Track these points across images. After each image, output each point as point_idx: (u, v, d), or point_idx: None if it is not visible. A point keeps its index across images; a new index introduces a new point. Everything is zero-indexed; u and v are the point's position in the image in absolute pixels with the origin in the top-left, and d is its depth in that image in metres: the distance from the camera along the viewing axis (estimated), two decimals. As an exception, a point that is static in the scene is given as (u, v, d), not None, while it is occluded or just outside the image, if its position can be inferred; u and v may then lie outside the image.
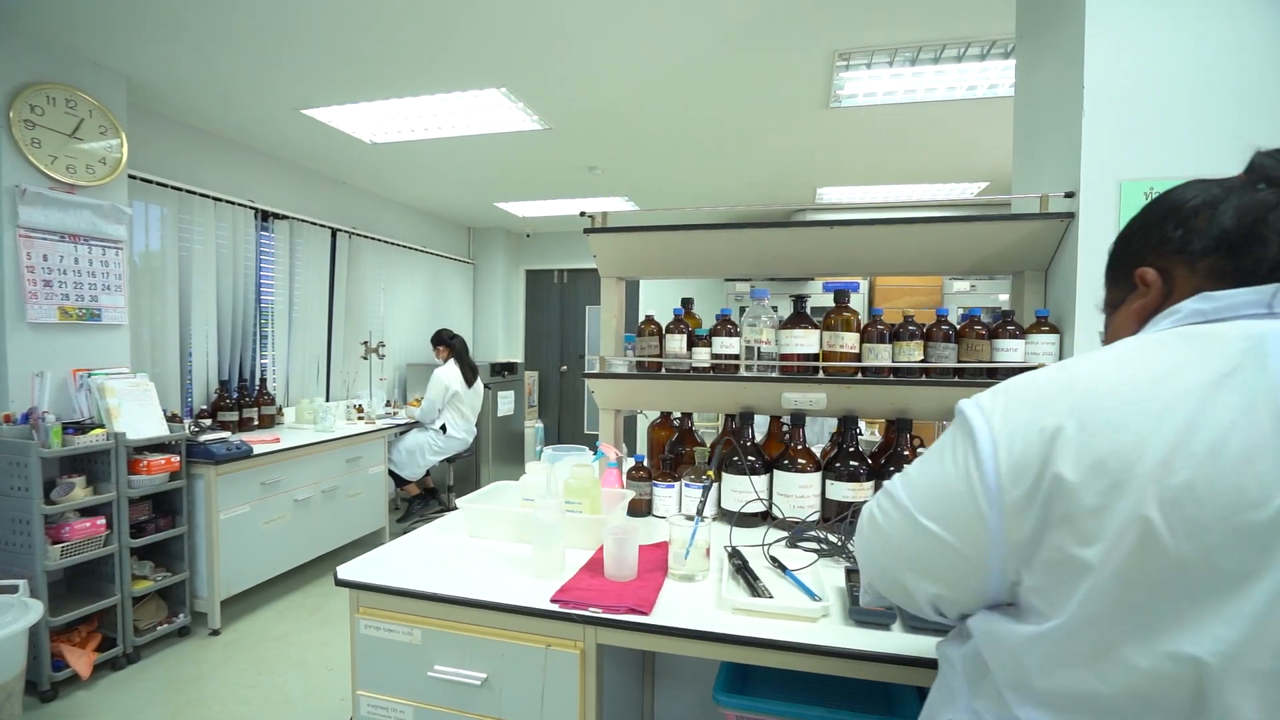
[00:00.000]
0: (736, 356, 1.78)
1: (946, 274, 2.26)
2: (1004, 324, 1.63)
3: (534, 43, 2.56)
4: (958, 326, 1.67)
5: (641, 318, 1.89)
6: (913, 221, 1.71)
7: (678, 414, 1.99)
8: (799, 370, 1.73)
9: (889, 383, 1.66)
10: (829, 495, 1.68)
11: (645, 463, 1.87)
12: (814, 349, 1.74)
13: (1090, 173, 1.53)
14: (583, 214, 1.92)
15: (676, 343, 1.82)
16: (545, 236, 6.56)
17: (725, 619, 1.14)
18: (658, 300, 6.23)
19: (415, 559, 1.47)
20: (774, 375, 1.75)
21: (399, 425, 4.02)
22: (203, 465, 2.78)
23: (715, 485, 1.79)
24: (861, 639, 1.06)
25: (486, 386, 4.77)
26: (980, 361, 1.62)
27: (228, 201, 3.57)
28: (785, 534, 1.55)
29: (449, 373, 4.08)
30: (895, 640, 1.05)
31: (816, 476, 1.69)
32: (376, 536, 4.00)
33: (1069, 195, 1.57)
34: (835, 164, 4.14)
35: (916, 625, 1.08)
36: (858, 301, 5.32)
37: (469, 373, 4.18)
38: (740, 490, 1.71)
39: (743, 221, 1.85)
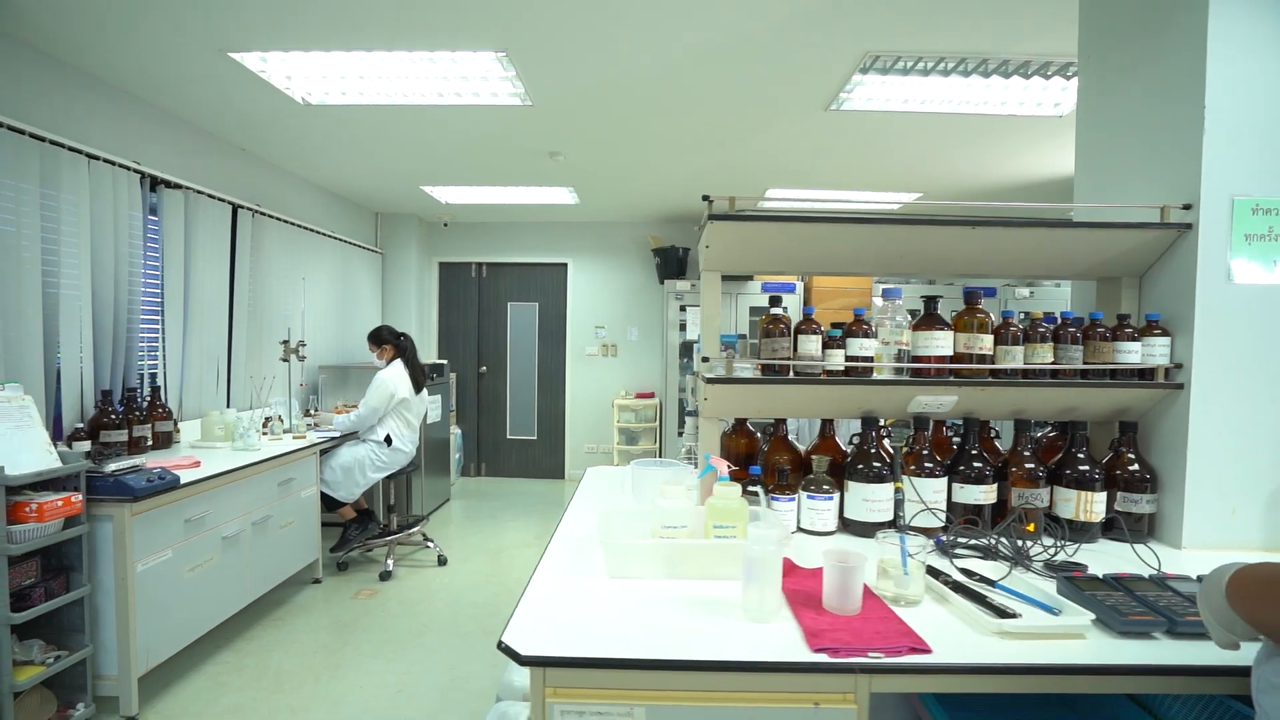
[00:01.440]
0: (871, 359, 1.66)
1: (1039, 277, 2.30)
2: (1121, 327, 1.66)
3: (557, 3, 2.25)
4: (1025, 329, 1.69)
5: (744, 317, 1.70)
6: (1055, 225, 1.71)
7: (756, 420, 1.84)
8: (935, 373, 1.65)
9: (1021, 384, 1.63)
10: (956, 499, 1.63)
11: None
12: (949, 350, 1.67)
13: (1208, 187, 1.61)
14: (706, 198, 1.68)
15: (811, 344, 1.66)
16: (464, 226, 6.03)
17: (990, 646, 1.03)
18: (590, 302, 5.98)
19: (577, 615, 1.18)
20: (906, 378, 1.66)
21: (330, 439, 3.42)
22: (112, 504, 2.13)
23: (839, 495, 1.67)
24: (1136, 651, 1.02)
25: (417, 391, 4.26)
26: (1104, 363, 1.64)
27: (107, 161, 2.80)
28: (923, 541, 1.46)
29: (395, 376, 3.54)
30: (1170, 650, 1.03)
31: (944, 481, 1.63)
32: (309, 571, 3.38)
33: (1186, 207, 1.63)
34: (800, 165, 4.17)
35: (1181, 631, 1.06)
36: (792, 301, 5.46)
37: (418, 376, 3.67)
38: (872, 499, 1.61)
39: (903, 217, 1.74)
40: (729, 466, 1.74)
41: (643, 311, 6.06)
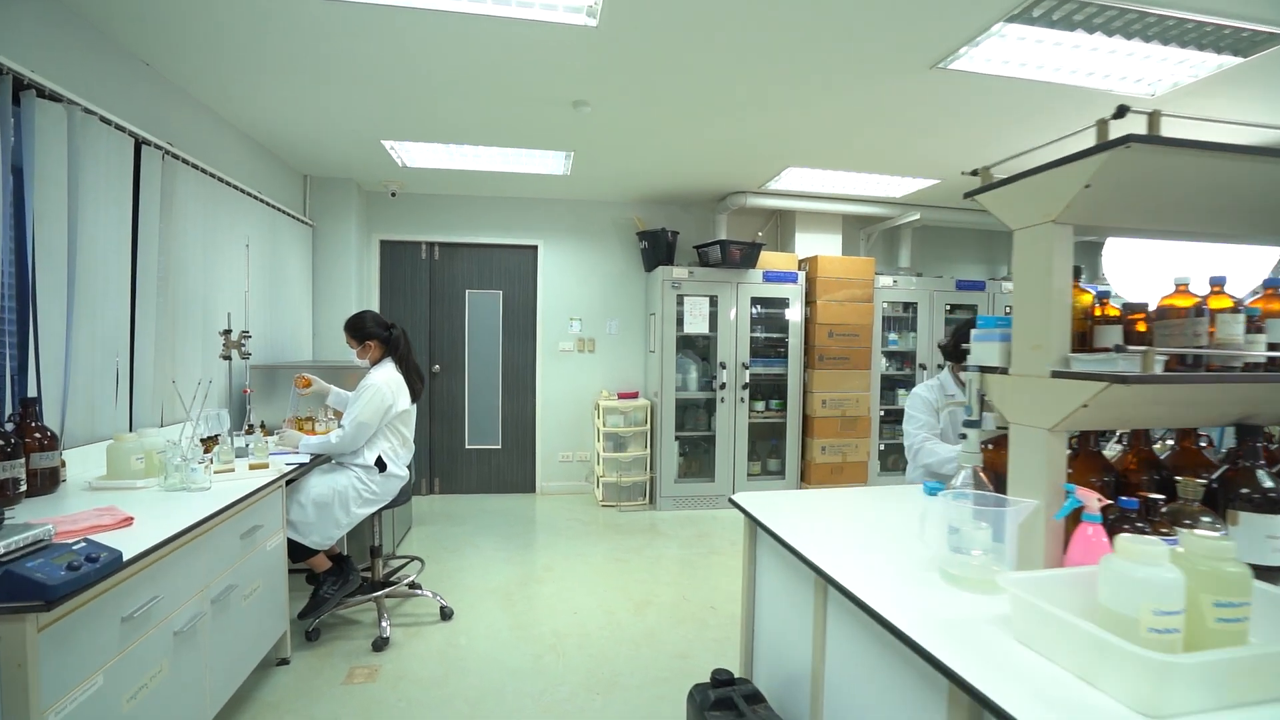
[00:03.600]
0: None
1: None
2: None
3: None
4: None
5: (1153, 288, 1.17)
6: None
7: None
8: (1391, 363, 1.19)
9: None
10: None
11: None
12: None
13: None
14: (1120, 111, 1.10)
15: (1233, 326, 1.14)
16: (414, 199, 5.02)
17: None
18: (564, 290, 5.23)
19: None
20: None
21: (297, 465, 2.47)
22: (4, 619, 1.19)
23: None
24: None
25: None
26: None
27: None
28: None
29: (391, 382, 2.65)
30: None
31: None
32: (274, 649, 2.42)
33: None
34: (842, 140, 3.67)
35: None
36: (793, 292, 5.05)
37: (415, 381, 2.78)
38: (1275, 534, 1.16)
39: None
40: (1100, 500, 1.21)
41: (624, 302, 5.38)
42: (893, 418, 5.41)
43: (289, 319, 4.14)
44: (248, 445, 2.46)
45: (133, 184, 2.58)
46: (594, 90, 3.01)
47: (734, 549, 3.98)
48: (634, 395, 5.17)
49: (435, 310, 5.18)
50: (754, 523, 1.83)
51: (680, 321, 4.89)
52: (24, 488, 1.86)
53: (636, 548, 4.00)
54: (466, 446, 5.26)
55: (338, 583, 2.65)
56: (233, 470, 2.24)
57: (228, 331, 2.51)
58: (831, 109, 3.24)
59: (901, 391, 5.43)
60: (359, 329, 2.73)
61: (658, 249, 5.08)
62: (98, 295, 2.35)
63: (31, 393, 2.07)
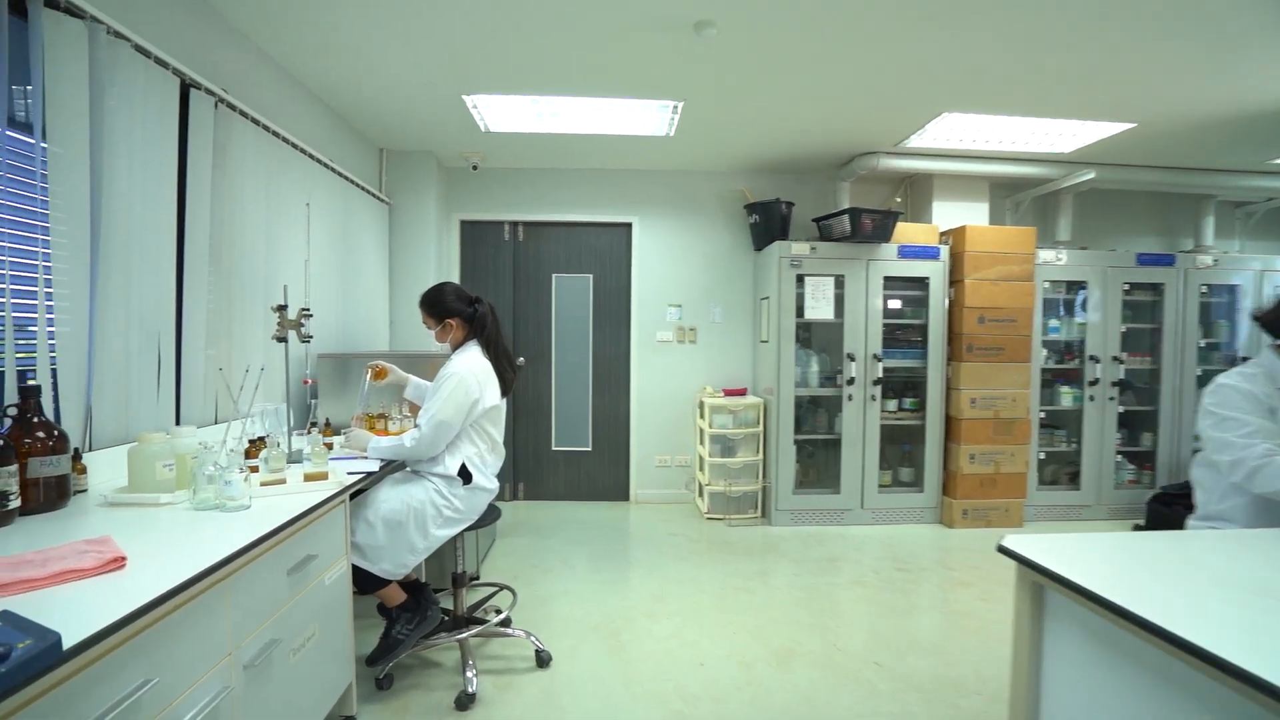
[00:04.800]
0: None
1: None
2: None
3: None
4: None
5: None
6: None
7: None
8: None
9: None
10: None
11: None
12: None
13: None
14: None
15: None
16: (495, 174, 4.55)
17: None
18: (662, 273, 4.62)
19: None
20: None
21: (365, 474, 1.97)
22: None
23: None
24: None
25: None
26: None
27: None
28: None
29: (478, 372, 2.10)
30: None
31: None
32: (339, 707, 1.92)
33: None
34: (1041, 71, 2.84)
35: None
36: (935, 270, 4.23)
37: (506, 371, 2.23)
38: None
39: None
40: None
41: (730, 286, 4.71)
42: (1056, 420, 4.48)
43: (362, 304, 3.72)
44: (303, 449, 1.97)
45: (180, 134, 2.16)
46: (730, 7, 2.36)
47: (879, 579, 3.24)
48: (742, 392, 4.50)
49: (519, 296, 4.69)
50: (1052, 580, 1.14)
51: (800, 306, 4.18)
52: (15, 503, 1.41)
53: (757, 572, 3.33)
54: (553, 448, 4.74)
55: (414, 620, 2.12)
56: (284, 482, 1.75)
57: (283, 307, 2.04)
58: (1022, 19, 2.45)
59: (1065, 389, 4.49)
60: (437, 303, 2.20)
61: (770, 223, 4.39)
62: (132, 261, 1.92)
63: (36, 380, 1.64)
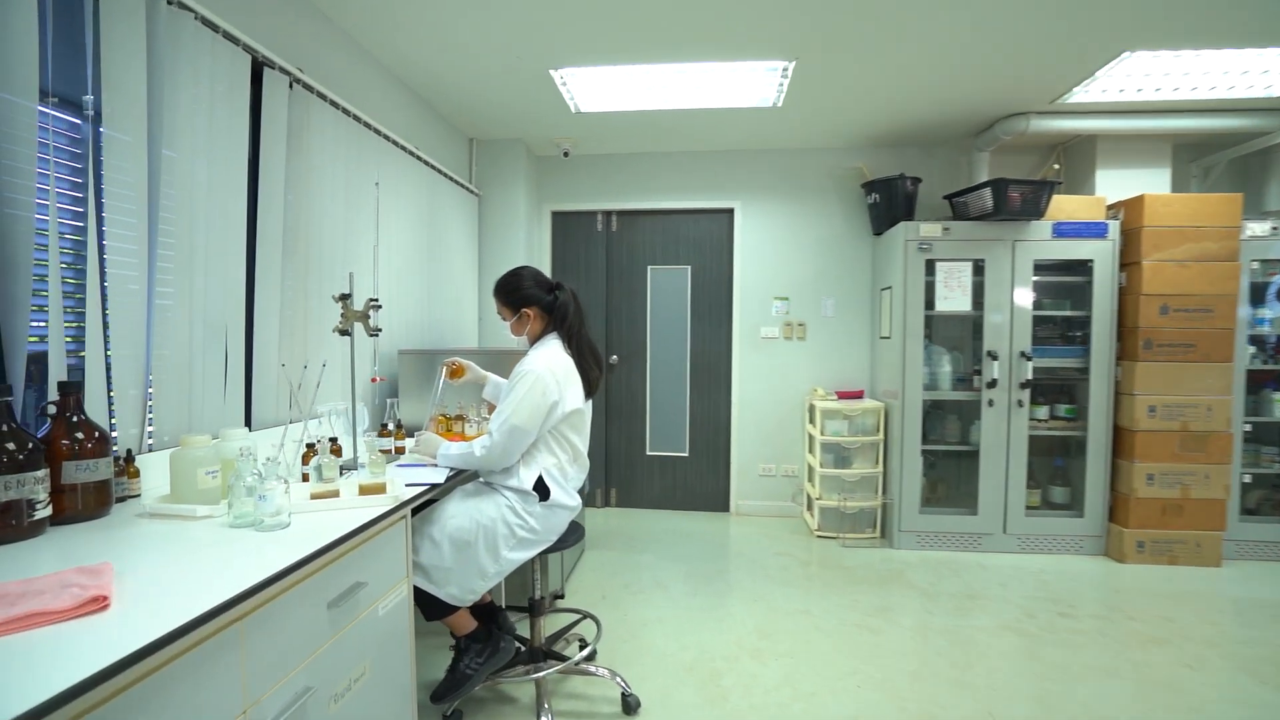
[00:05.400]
0: None
1: None
2: None
3: None
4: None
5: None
6: None
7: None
8: None
9: None
10: None
11: None
12: None
13: None
14: None
15: None
16: (586, 161, 4.32)
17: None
18: (767, 263, 4.19)
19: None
20: None
21: (429, 486, 1.73)
22: None
23: None
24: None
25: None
26: None
27: None
28: None
29: (556, 369, 1.82)
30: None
31: None
32: (394, 763, 1.69)
33: None
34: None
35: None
36: (1104, 251, 3.51)
37: (591, 369, 1.93)
38: None
39: None
40: None
41: (844, 275, 4.20)
42: (1265, 435, 3.60)
43: (450, 299, 3.59)
44: (357, 457, 1.76)
45: (252, 112, 2.04)
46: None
47: (1037, 626, 2.65)
48: (858, 394, 3.98)
49: (612, 290, 4.43)
50: None
51: (929, 297, 3.61)
52: (44, 511, 1.27)
53: (881, 607, 2.84)
54: (647, 452, 4.44)
55: (484, 652, 1.87)
56: (336, 494, 1.53)
57: (346, 296, 1.85)
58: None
59: (1278, 396, 3.60)
60: (513, 290, 1.93)
61: (893, 203, 3.84)
62: (196, 250, 1.79)
63: (82, 374, 1.51)
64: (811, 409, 4.02)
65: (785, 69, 2.95)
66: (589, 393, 1.93)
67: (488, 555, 1.77)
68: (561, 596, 2.78)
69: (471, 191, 3.91)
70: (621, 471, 4.47)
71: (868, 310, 4.18)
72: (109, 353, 1.57)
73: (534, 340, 1.96)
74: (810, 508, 4.04)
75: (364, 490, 1.56)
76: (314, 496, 1.51)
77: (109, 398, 1.57)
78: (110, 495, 1.42)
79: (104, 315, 1.55)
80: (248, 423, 2.04)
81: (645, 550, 3.62)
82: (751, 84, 3.14)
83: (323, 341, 2.34)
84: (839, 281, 4.20)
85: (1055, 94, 3.25)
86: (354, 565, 1.40)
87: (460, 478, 1.92)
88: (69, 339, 1.50)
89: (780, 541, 3.78)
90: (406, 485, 1.65)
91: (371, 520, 1.43)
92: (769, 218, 4.22)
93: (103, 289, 1.54)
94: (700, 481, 4.40)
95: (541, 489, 1.82)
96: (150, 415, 1.69)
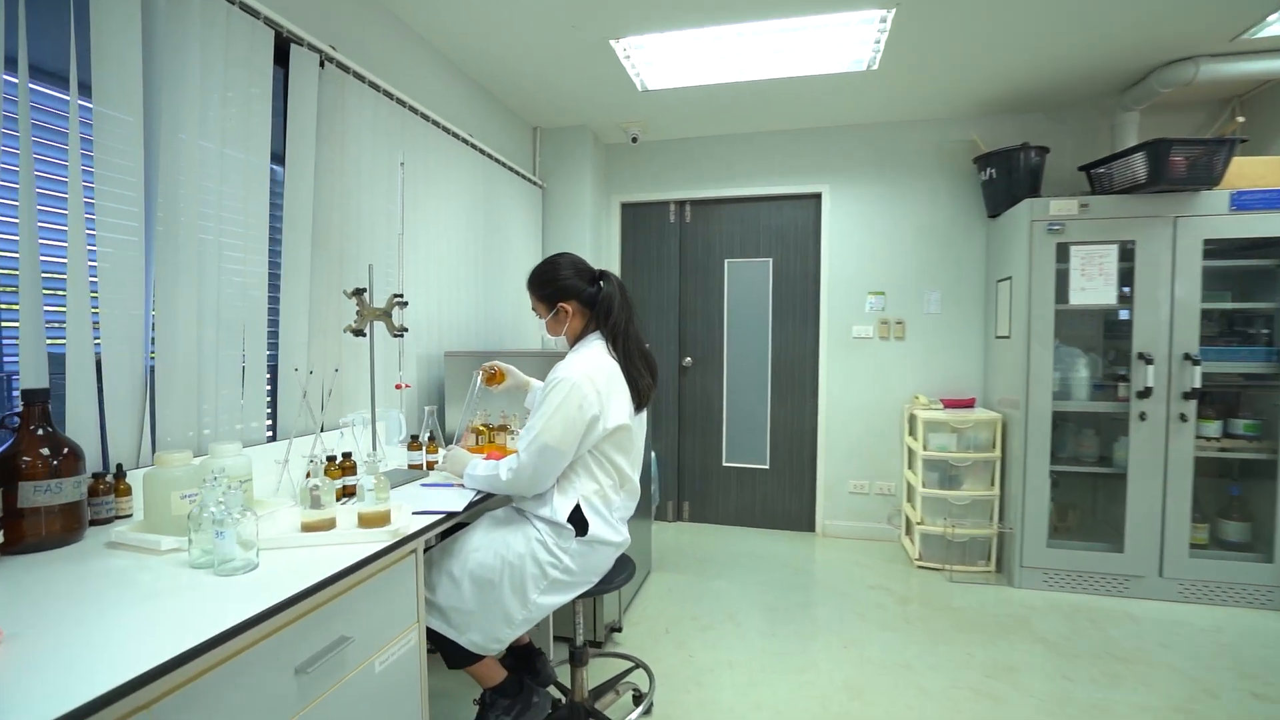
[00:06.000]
0: None
1: None
2: None
3: None
4: None
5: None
6: None
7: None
8: None
9: None
10: None
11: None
12: None
13: None
14: None
15: None
16: (657, 147, 4.01)
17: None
18: (858, 253, 3.71)
19: None
20: None
21: (441, 515, 1.47)
22: None
23: None
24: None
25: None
26: None
27: None
28: None
29: (594, 372, 1.51)
30: None
31: None
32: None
33: None
34: None
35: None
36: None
37: (640, 377, 1.61)
38: None
39: None
40: None
41: (952, 265, 3.64)
42: None
43: (508, 299, 3.37)
44: (359, 479, 1.52)
45: (279, 93, 1.86)
46: None
47: (1221, 711, 2.06)
48: (969, 403, 3.42)
49: (686, 286, 4.09)
50: None
51: (1061, 288, 3.01)
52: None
53: (1003, 666, 2.33)
54: (724, 464, 4.06)
55: (513, 709, 1.59)
56: (331, 525, 1.29)
57: (361, 291, 1.62)
58: None
59: None
60: (548, 280, 1.64)
61: (1014, 178, 3.26)
62: (206, 241, 1.62)
63: (66, 380, 1.35)
64: (912, 419, 3.50)
65: (884, 18, 2.50)
66: (639, 405, 1.61)
67: (514, 598, 1.49)
68: (619, 629, 2.47)
69: (535, 183, 3.69)
70: (695, 484, 4.11)
71: (980, 305, 3.60)
72: (99, 355, 1.40)
73: (574, 340, 1.66)
74: (909, 532, 3.52)
75: (364, 521, 1.32)
76: (305, 527, 1.27)
77: (100, 405, 1.41)
78: (81, 519, 1.25)
79: (93, 314, 1.39)
80: (271, 433, 1.87)
81: (719, 575, 3.25)
82: (841, 43, 2.71)
83: (358, 343, 2.16)
84: (945, 272, 3.64)
85: (1238, 28, 2.59)
86: (338, 616, 1.15)
87: (489, 501, 1.65)
88: (50, 340, 1.34)
89: (874, 571, 3.30)
90: (414, 514, 1.39)
91: (361, 561, 1.18)
92: (862, 202, 3.73)
93: (91, 284, 1.38)
94: (781, 497, 3.97)
95: (579, 521, 1.51)
96: (153, 425, 1.53)
